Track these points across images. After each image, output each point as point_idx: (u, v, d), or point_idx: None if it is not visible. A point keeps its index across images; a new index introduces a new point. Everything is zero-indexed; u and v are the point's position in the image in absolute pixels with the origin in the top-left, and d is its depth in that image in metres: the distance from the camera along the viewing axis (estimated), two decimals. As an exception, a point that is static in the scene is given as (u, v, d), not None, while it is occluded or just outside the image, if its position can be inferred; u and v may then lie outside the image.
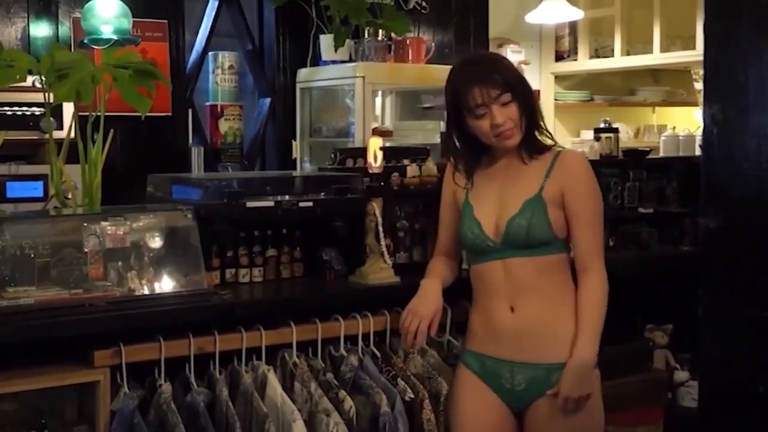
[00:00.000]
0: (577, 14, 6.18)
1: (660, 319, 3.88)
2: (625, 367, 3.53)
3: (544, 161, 2.64)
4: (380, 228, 2.93)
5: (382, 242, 2.95)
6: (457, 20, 5.74)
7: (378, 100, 5.24)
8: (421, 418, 2.76)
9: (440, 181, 2.89)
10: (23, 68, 3.07)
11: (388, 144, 4.12)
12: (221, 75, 5.05)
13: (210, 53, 5.15)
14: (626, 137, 6.61)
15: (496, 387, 2.64)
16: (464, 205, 2.71)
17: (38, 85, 3.25)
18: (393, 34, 5.08)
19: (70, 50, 4.21)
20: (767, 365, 2.69)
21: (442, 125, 4.25)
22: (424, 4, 5.47)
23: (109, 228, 2.73)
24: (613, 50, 6.61)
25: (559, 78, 6.91)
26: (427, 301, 2.70)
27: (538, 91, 6.23)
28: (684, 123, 6.88)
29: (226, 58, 5.09)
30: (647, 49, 6.43)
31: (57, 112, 3.88)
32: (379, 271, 2.96)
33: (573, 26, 6.78)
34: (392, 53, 5.09)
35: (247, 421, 2.62)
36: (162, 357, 2.58)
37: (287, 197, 3.01)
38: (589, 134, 5.65)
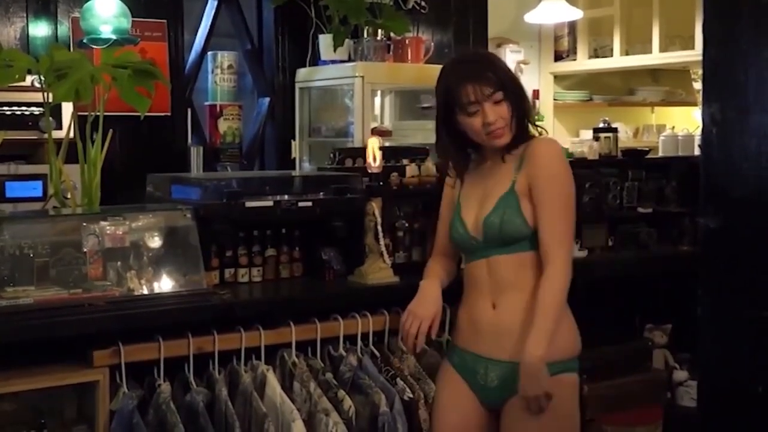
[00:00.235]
0: (576, 14, 6.18)
1: (659, 319, 3.88)
2: (625, 367, 3.53)
3: (518, 154, 2.62)
4: (379, 228, 2.93)
5: (381, 242, 2.95)
6: (457, 20, 5.74)
7: (377, 100, 5.23)
8: (419, 418, 2.76)
9: (440, 181, 2.89)
10: (22, 68, 3.07)
11: (387, 144, 4.12)
12: (220, 75, 5.06)
13: (209, 53, 5.15)
14: (625, 137, 6.60)
15: (471, 383, 2.65)
16: (456, 205, 2.73)
17: (37, 85, 3.25)
18: (392, 34, 5.08)
19: (69, 50, 4.20)
20: (767, 365, 2.69)
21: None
22: (423, 3, 5.47)
23: (108, 228, 2.73)
24: (612, 50, 6.61)
25: (558, 78, 6.91)
26: (427, 303, 2.70)
27: (538, 91, 6.23)
28: (683, 123, 6.88)
29: (226, 57, 5.09)
30: (646, 49, 6.43)
31: (56, 111, 3.88)
32: (378, 271, 2.96)
33: (572, 26, 6.78)
34: (391, 53, 5.09)
35: (246, 421, 2.62)
36: (161, 357, 2.58)
37: (286, 197, 3.01)
38: (588, 134, 5.64)
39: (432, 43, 5.38)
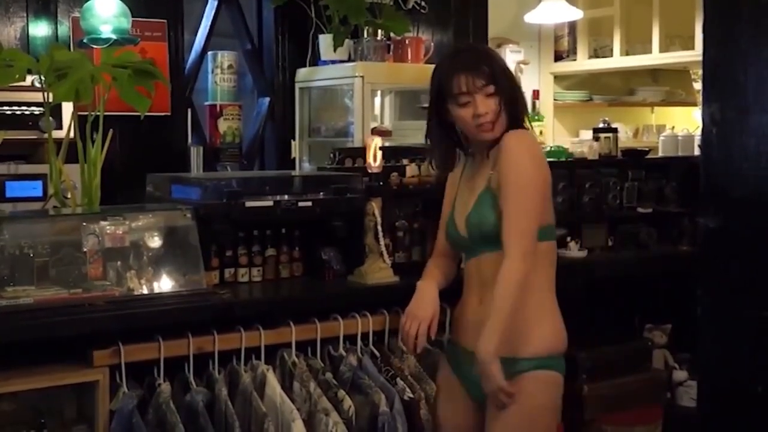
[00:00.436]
0: (576, 14, 6.18)
1: (659, 319, 3.89)
2: (624, 367, 3.54)
3: (496, 150, 2.61)
4: (379, 228, 2.94)
5: (381, 242, 2.95)
6: (457, 20, 5.73)
7: (377, 100, 5.22)
8: (419, 418, 2.76)
9: (440, 180, 2.89)
10: (22, 68, 3.07)
11: (387, 144, 4.11)
12: (220, 75, 5.05)
13: (209, 53, 5.15)
14: (625, 137, 6.60)
15: (461, 377, 2.69)
16: (453, 204, 2.75)
17: (37, 85, 3.25)
18: (392, 34, 5.07)
19: (69, 50, 4.20)
20: (767, 365, 2.69)
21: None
22: (423, 3, 5.47)
23: (108, 227, 2.73)
24: (612, 50, 6.61)
25: (558, 78, 6.90)
26: (424, 304, 2.71)
27: (538, 91, 6.23)
28: (683, 123, 6.88)
29: (225, 57, 5.08)
30: (646, 49, 6.43)
31: (56, 111, 3.87)
32: (378, 271, 2.97)
33: (572, 26, 6.78)
34: (391, 53, 5.08)
35: (246, 421, 2.62)
36: (161, 356, 2.58)
37: (286, 197, 3.01)
38: (588, 134, 5.63)
39: (432, 43, 5.37)
